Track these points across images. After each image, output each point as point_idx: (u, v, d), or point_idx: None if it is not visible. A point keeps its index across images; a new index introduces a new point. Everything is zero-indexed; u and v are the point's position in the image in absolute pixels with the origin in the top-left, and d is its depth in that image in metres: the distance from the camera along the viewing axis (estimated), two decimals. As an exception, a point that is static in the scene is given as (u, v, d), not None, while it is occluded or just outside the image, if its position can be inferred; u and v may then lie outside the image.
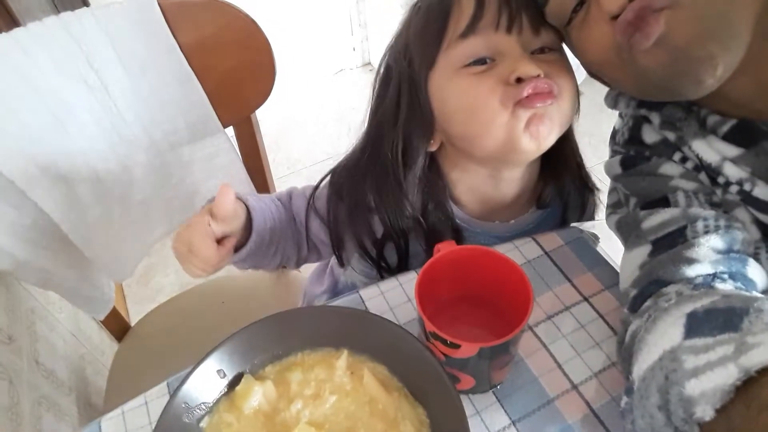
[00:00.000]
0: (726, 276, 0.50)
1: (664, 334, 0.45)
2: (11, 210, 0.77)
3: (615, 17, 0.48)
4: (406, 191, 0.67)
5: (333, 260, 0.92)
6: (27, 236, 0.80)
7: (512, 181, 0.69)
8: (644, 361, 0.46)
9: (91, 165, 0.82)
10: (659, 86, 0.50)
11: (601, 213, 0.75)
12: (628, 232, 0.58)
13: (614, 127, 0.66)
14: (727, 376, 0.37)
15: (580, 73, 0.62)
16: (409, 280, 0.67)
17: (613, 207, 0.65)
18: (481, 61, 0.59)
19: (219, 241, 0.61)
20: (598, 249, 0.70)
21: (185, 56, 0.79)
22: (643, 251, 0.55)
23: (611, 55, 0.50)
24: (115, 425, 0.56)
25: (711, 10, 0.44)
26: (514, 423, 0.54)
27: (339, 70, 2.62)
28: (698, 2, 0.44)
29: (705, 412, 0.37)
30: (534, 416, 0.55)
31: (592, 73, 0.58)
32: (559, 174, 0.72)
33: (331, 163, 0.74)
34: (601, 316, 0.62)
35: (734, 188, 0.53)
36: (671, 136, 0.57)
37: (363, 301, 0.65)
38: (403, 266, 0.73)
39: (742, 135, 0.51)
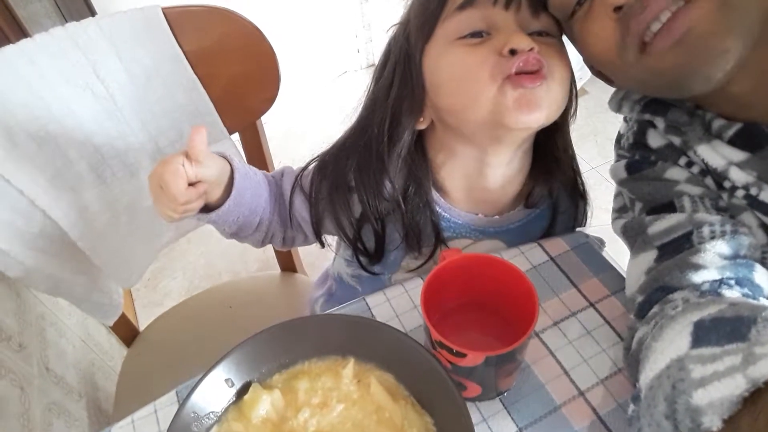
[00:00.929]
0: (733, 282, 0.50)
1: (671, 343, 0.45)
2: (19, 218, 0.78)
3: (618, 8, 0.48)
4: (387, 169, 0.67)
5: (328, 263, 0.92)
6: (36, 244, 0.81)
7: (499, 167, 0.67)
8: (651, 369, 0.46)
9: (98, 172, 0.82)
10: (665, 84, 0.50)
11: (599, 219, 0.75)
12: (634, 237, 0.58)
13: (619, 132, 0.66)
14: (734, 386, 0.37)
15: (585, 71, 0.62)
16: (416, 286, 0.67)
17: (618, 212, 0.65)
18: (476, 35, 0.59)
19: (192, 184, 0.62)
20: (604, 254, 0.70)
21: (190, 64, 0.79)
22: (649, 257, 0.55)
23: (614, 53, 0.50)
24: (125, 434, 0.57)
25: (734, 1, 0.44)
26: (521, 430, 0.54)
27: (343, 72, 2.62)
28: None
29: (713, 422, 0.37)
30: (541, 423, 0.55)
31: (594, 69, 0.58)
32: (550, 174, 0.71)
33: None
34: (608, 322, 0.62)
35: (740, 193, 0.53)
36: (676, 140, 0.57)
37: (369, 308, 0.66)
38: (380, 251, 0.72)
39: (748, 139, 0.51)
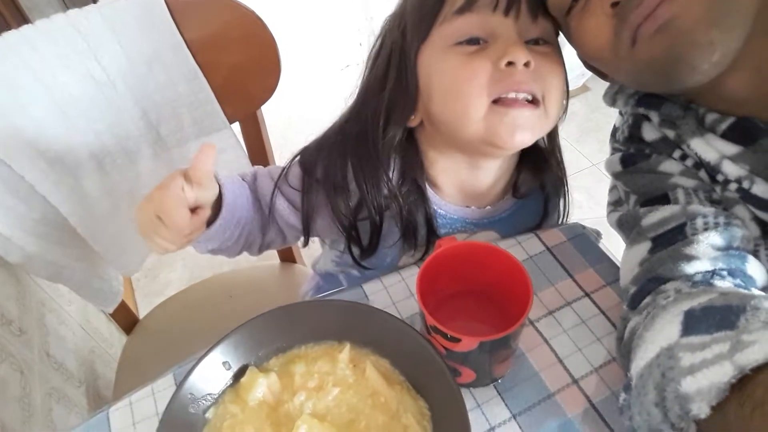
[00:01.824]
0: (725, 273, 0.50)
1: (662, 332, 0.46)
2: (20, 204, 0.79)
3: (615, 4, 0.48)
4: (382, 162, 0.66)
5: (313, 261, 0.91)
6: (36, 230, 0.82)
7: (490, 170, 0.68)
8: (642, 358, 0.46)
9: (99, 159, 0.83)
10: (654, 75, 0.50)
11: (598, 214, 0.75)
12: (628, 229, 0.59)
13: (615, 125, 0.66)
14: (722, 373, 0.37)
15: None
16: (412, 275, 0.68)
17: (613, 205, 0.65)
18: (474, 41, 0.58)
19: (192, 211, 0.56)
20: (601, 245, 0.70)
21: (191, 52, 0.80)
22: (643, 248, 0.55)
23: (607, 49, 0.50)
24: (123, 415, 0.57)
25: None
26: (514, 416, 0.55)
27: (346, 66, 2.62)
28: None
29: (700, 409, 0.38)
30: (534, 410, 0.55)
31: (588, 65, 0.58)
32: (537, 166, 0.71)
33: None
34: (603, 312, 0.62)
35: (733, 186, 0.53)
36: (671, 133, 0.57)
37: (366, 296, 0.66)
38: (375, 244, 0.70)
39: (741, 133, 0.51)
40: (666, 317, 0.47)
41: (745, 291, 0.48)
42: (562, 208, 0.78)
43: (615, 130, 0.66)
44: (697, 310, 0.44)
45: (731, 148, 0.51)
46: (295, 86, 2.46)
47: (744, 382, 0.37)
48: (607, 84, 0.64)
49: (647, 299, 0.52)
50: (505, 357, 0.55)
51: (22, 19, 1.33)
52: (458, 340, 0.49)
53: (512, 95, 0.56)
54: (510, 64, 0.55)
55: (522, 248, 0.69)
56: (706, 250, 0.51)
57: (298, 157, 0.71)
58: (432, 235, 0.70)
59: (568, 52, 0.61)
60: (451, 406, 0.49)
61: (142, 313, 1.14)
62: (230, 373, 0.55)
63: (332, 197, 0.67)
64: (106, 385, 1.12)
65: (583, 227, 0.72)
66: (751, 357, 0.36)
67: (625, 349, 0.53)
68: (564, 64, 0.61)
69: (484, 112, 0.57)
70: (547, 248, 0.69)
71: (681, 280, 0.51)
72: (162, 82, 0.81)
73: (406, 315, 0.63)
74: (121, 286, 1.03)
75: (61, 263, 0.88)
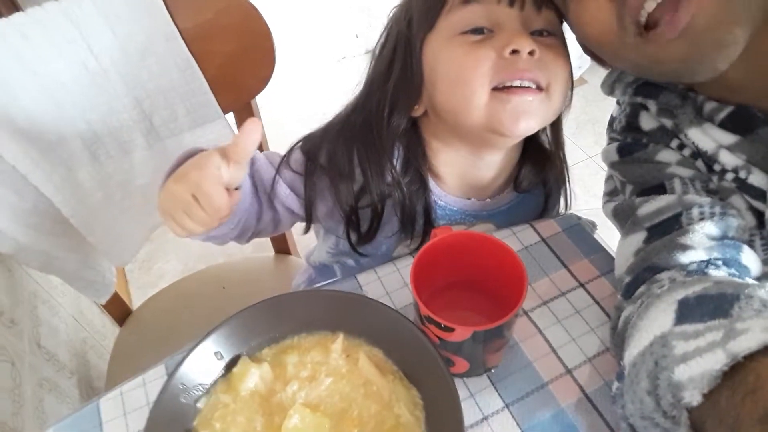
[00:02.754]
0: (720, 262, 0.50)
1: (656, 320, 0.45)
2: (12, 194, 0.78)
3: None
4: (386, 150, 0.66)
5: (306, 253, 0.91)
6: (28, 220, 0.81)
7: (493, 162, 0.68)
8: (635, 346, 0.46)
9: (92, 149, 0.82)
10: (666, 71, 0.50)
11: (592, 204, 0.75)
12: (624, 219, 0.58)
13: (612, 115, 0.66)
14: (715, 361, 0.37)
15: (585, 60, 0.62)
16: (406, 265, 0.67)
17: (609, 195, 0.65)
18: (478, 31, 0.58)
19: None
20: (596, 236, 0.70)
21: (185, 41, 0.79)
22: (638, 238, 0.55)
23: (609, 35, 0.49)
24: (114, 405, 0.57)
25: None
26: (507, 406, 0.55)
27: (342, 58, 2.61)
28: None
29: (693, 397, 0.38)
30: (527, 399, 0.55)
31: (588, 49, 0.57)
32: (539, 161, 0.71)
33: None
34: (597, 302, 0.62)
35: (730, 176, 0.53)
36: (668, 123, 0.57)
37: (360, 286, 0.66)
38: (374, 231, 0.70)
39: (739, 122, 0.51)
40: (660, 306, 0.46)
41: (740, 280, 0.48)
42: (563, 204, 0.78)
43: (612, 120, 0.65)
44: (691, 299, 0.44)
45: (728, 138, 0.51)
46: (291, 78, 2.45)
47: (736, 370, 0.36)
48: (604, 75, 0.64)
49: (642, 288, 0.52)
50: (498, 347, 0.54)
51: (13, 6, 1.31)
52: (452, 330, 0.49)
53: (517, 83, 0.56)
54: (514, 52, 0.56)
55: (517, 239, 0.69)
56: (701, 240, 0.51)
57: (300, 143, 0.71)
58: (429, 225, 0.70)
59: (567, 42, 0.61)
60: (445, 395, 0.49)
61: (135, 305, 1.13)
62: (222, 363, 0.55)
63: (336, 183, 0.67)
64: (99, 376, 1.12)
65: (578, 218, 0.72)
66: (743, 345, 0.36)
67: (618, 339, 0.52)
68: (569, 55, 0.61)
69: (486, 99, 0.57)
70: (542, 239, 0.69)
71: (676, 270, 0.50)
72: (155, 71, 0.80)
73: (401, 305, 0.63)
74: (114, 278, 1.02)
75: (53, 254, 0.87)
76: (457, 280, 0.59)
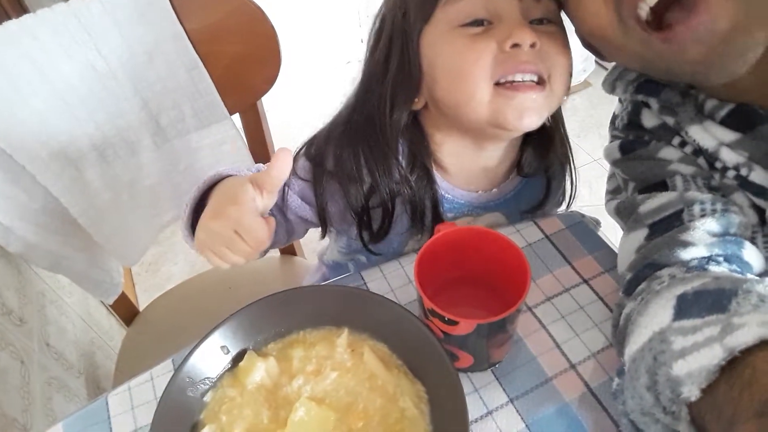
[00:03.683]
0: (721, 259, 0.50)
1: (655, 316, 0.46)
2: (22, 194, 0.79)
3: None
4: (391, 147, 0.65)
5: (319, 252, 0.91)
6: (37, 220, 0.82)
7: (495, 151, 0.68)
8: (635, 342, 0.46)
9: (100, 150, 0.83)
10: (679, 73, 0.49)
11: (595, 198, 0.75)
12: (626, 216, 0.59)
13: (614, 113, 0.66)
14: (712, 356, 0.37)
15: (589, 63, 0.62)
16: (410, 262, 0.68)
17: (612, 193, 0.65)
18: (478, 23, 0.57)
19: None
20: (600, 233, 0.70)
21: (192, 43, 0.80)
22: (640, 235, 0.55)
23: (609, 29, 0.49)
24: (122, 400, 0.58)
25: None
26: (511, 401, 0.55)
27: (347, 62, 2.62)
28: None
29: (691, 392, 0.38)
30: (532, 394, 0.55)
31: (587, 43, 0.57)
32: (541, 143, 0.70)
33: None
34: (601, 298, 0.63)
35: (731, 173, 0.53)
36: (670, 120, 0.57)
37: (365, 282, 0.66)
38: (386, 229, 0.70)
39: (740, 119, 0.51)
40: (659, 302, 0.47)
41: (738, 275, 0.48)
42: (569, 186, 0.77)
43: (614, 118, 0.65)
44: (689, 294, 0.44)
45: (730, 135, 0.51)
46: (296, 82, 2.46)
47: (733, 364, 0.37)
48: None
49: (642, 285, 0.52)
50: (502, 341, 0.55)
51: (21, 9, 1.32)
52: (455, 323, 0.49)
53: (518, 77, 0.56)
54: (515, 45, 0.55)
55: (521, 236, 0.70)
56: (702, 236, 0.51)
57: (304, 149, 0.71)
58: (438, 219, 0.70)
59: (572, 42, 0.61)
60: (449, 389, 0.49)
61: (142, 307, 1.14)
62: (229, 357, 0.55)
63: (345, 185, 0.67)
64: (106, 376, 1.13)
65: (582, 215, 0.73)
66: (740, 339, 0.37)
67: (620, 335, 0.52)
68: (569, 42, 0.61)
69: (490, 95, 0.57)
70: (546, 236, 0.69)
71: (676, 266, 0.50)
72: (162, 72, 0.81)
73: (405, 301, 0.63)
74: (122, 278, 1.03)
75: (62, 253, 0.88)
76: (460, 275, 0.59)
